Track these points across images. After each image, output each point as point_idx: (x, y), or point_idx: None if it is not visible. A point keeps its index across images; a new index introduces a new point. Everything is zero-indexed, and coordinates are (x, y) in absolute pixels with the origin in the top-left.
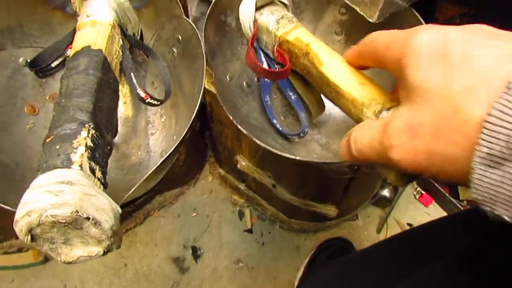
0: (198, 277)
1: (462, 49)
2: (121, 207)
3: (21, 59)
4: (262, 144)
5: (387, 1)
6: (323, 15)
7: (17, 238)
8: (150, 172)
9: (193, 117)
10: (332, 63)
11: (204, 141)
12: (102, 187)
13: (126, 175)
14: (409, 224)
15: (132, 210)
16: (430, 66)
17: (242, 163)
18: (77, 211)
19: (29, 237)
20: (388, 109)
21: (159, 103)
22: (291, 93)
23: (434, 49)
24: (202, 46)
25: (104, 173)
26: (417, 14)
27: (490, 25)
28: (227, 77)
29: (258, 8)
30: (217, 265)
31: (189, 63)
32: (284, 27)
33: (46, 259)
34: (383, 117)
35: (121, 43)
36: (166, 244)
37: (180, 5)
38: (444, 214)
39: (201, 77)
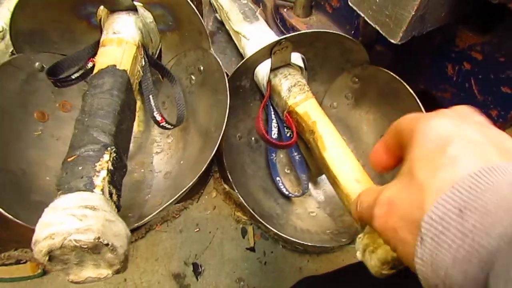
0: None
1: (456, 151)
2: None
3: (37, 64)
4: (269, 227)
5: (411, 25)
6: (336, 79)
7: (16, 249)
8: (166, 205)
9: (212, 154)
10: (335, 151)
11: None
12: (116, 210)
13: (129, 192)
14: None
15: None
16: (427, 155)
17: (225, 185)
18: (99, 237)
19: (47, 258)
20: None
21: (172, 127)
22: (295, 153)
23: (439, 140)
24: (226, 83)
25: (119, 196)
26: (407, 86)
27: (509, 55)
28: (237, 136)
29: (273, 69)
30: (218, 283)
31: (208, 94)
32: (295, 96)
33: (45, 272)
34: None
35: (143, 63)
36: (167, 260)
37: (209, 39)
38: None
39: (223, 114)
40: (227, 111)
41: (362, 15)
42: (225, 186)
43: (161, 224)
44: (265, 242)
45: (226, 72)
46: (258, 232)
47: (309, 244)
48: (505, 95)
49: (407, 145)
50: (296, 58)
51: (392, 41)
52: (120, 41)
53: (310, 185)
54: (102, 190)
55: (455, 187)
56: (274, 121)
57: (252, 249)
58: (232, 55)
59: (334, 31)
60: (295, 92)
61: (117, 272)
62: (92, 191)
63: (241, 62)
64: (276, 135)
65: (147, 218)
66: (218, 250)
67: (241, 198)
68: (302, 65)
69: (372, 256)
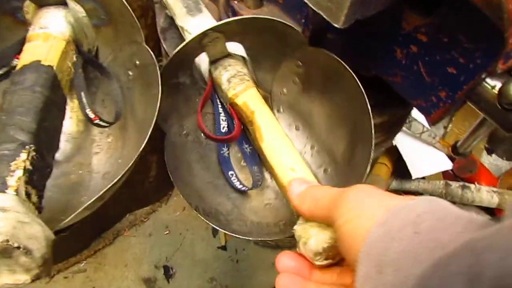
0: None
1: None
2: (57, 232)
3: None
4: (211, 224)
5: (352, 8)
6: (280, 66)
7: None
8: (89, 202)
9: (141, 146)
10: (272, 142)
11: None
12: (37, 211)
13: (64, 194)
14: None
15: (100, 230)
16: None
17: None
18: (7, 240)
19: None
20: None
21: (108, 125)
22: (246, 145)
23: (357, 197)
24: (159, 76)
25: (40, 197)
26: (346, 66)
27: (452, 36)
28: (183, 134)
29: (213, 62)
30: (190, 284)
31: (144, 89)
32: (235, 88)
33: None
34: None
35: (74, 59)
36: (137, 265)
37: (142, 32)
38: None
39: (154, 108)
40: (157, 105)
41: (306, 1)
42: None
43: (129, 229)
44: (237, 240)
45: (160, 65)
46: None
47: (253, 239)
48: (451, 76)
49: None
50: (237, 48)
51: (336, 25)
52: (47, 36)
53: (268, 176)
54: (16, 190)
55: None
56: (222, 114)
57: (223, 248)
58: None
59: (257, 16)
60: (235, 83)
61: (37, 277)
62: (4, 192)
63: (168, 59)
64: (225, 128)
65: (69, 218)
66: (189, 251)
67: (183, 197)
68: (244, 54)
69: (305, 248)
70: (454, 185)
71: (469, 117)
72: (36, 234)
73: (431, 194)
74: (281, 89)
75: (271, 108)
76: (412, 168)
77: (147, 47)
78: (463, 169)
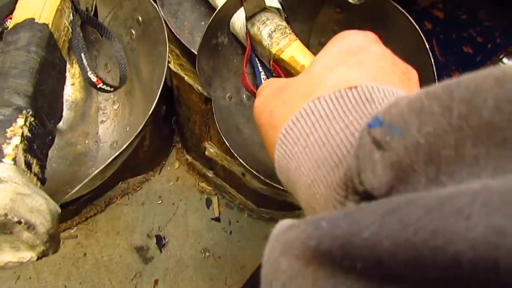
0: (162, 267)
1: (363, 58)
2: (63, 206)
3: None
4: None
5: None
6: (318, 14)
7: None
8: (96, 172)
9: (150, 112)
10: None
11: (171, 127)
12: (39, 183)
13: (70, 166)
14: None
15: (92, 197)
16: (330, 55)
17: (211, 150)
18: (6, 214)
19: None
20: None
21: (112, 89)
22: None
23: (350, 46)
24: (165, 31)
25: (42, 167)
26: (396, 5)
27: (471, 13)
28: (227, 97)
29: (249, 18)
30: (183, 254)
31: (149, 48)
32: (278, 42)
33: None
34: None
35: (71, 18)
36: (129, 233)
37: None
38: None
39: (163, 67)
40: (166, 62)
41: None
42: (188, 157)
43: (122, 197)
44: (230, 212)
45: (174, 33)
46: (223, 202)
47: None
48: (467, 55)
49: None
50: (271, 0)
51: (351, 1)
52: None
53: None
54: (14, 159)
55: (335, 94)
56: (263, 73)
57: (217, 219)
58: (184, 18)
59: None
60: (277, 38)
61: (44, 254)
62: (1, 161)
63: (211, 19)
64: None
65: (76, 189)
66: (182, 221)
67: (243, 163)
68: (279, 6)
69: None
70: None
71: None
72: (39, 207)
73: None
74: (319, 40)
75: None
76: None
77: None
78: None
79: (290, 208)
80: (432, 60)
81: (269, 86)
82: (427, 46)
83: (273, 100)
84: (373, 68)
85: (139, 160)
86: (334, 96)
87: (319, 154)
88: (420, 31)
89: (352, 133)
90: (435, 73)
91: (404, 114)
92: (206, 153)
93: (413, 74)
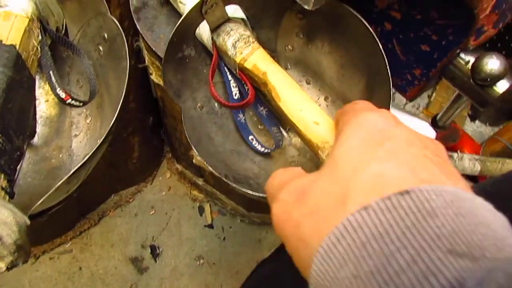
0: (158, 277)
1: (394, 146)
2: (33, 217)
3: None
4: (245, 190)
5: None
6: (282, 21)
7: None
8: (60, 183)
9: (111, 123)
10: (289, 98)
11: (160, 137)
12: (7, 196)
13: (45, 179)
14: None
15: (84, 211)
16: (359, 145)
17: (198, 157)
18: None
19: None
20: None
21: (81, 104)
22: (261, 108)
23: (375, 133)
24: (126, 47)
25: (10, 181)
26: (350, 8)
27: (425, 12)
28: (197, 107)
29: (214, 29)
30: (177, 263)
31: (115, 64)
32: (242, 52)
33: None
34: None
35: (40, 38)
36: (123, 245)
37: (105, 1)
38: None
39: (124, 81)
40: (126, 78)
41: None
42: (178, 166)
43: (115, 209)
44: (223, 218)
45: (150, 46)
46: (215, 208)
47: None
48: (425, 53)
49: (337, 135)
50: (235, 10)
51: (306, 7)
52: (8, 14)
53: (286, 134)
54: None
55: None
56: (232, 81)
57: (210, 226)
58: (160, 31)
59: None
60: (241, 47)
61: (13, 265)
62: None
63: (172, 33)
64: (237, 95)
65: (40, 201)
66: (176, 230)
67: (210, 168)
68: (243, 16)
69: None
70: None
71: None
72: (5, 220)
73: None
74: (285, 46)
75: None
76: None
77: (112, 17)
78: (447, 138)
79: None
80: (386, 61)
81: (287, 188)
82: (381, 47)
83: (296, 208)
84: (407, 158)
85: (129, 171)
86: (384, 206)
87: None
88: (373, 33)
89: (425, 275)
90: (389, 74)
91: None
92: (194, 161)
93: (442, 151)
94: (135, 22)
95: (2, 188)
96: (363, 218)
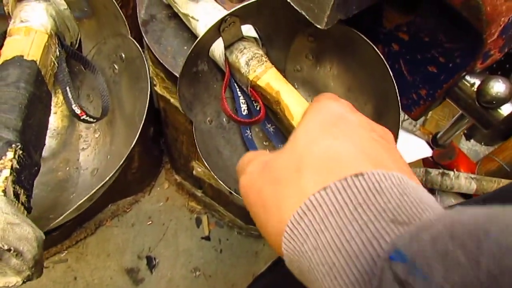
0: None
1: (344, 131)
2: (47, 233)
3: None
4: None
5: (334, 10)
6: (293, 42)
7: None
8: (82, 200)
9: (133, 144)
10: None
11: (159, 147)
12: (26, 211)
13: (51, 192)
14: None
15: (81, 220)
16: (312, 127)
17: (198, 169)
18: None
19: None
20: None
21: (95, 120)
22: (268, 125)
23: (331, 116)
24: (147, 69)
25: (29, 196)
26: (361, 34)
27: (432, 35)
28: (207, 121)
29: (228, 46)
30: (174, 274)
31: (131, 83)
32: (255, 70)
33: None
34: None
35: (58, 53)
36: (119, 255)
37: (126, 24)
38: None
39: (144, 101)
40: (147, 98)
41: (288, 0)
42: (177, 177)
43: (112, 219)
44: (220, 230)
45: (157, 58)
46: (212, 220)
47: None
48: (432, 74)
49: (301, 120)
50: (249, 29)
51: (318, 26)
52: (29, 30)
53: None
54: (4, 191)
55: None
56: (241, 97)
57: (207, 238)
58: (168, 44)
59: None
60: (254, 66)
61: (29, 278)
62: None
63: (191, 49)
64: (246, 111)
65: (61, 217)
66: (173, 241)
67: (221, 182)
68: (256, 35)
69: None
70: (434, 172)
71: (448, 104)
72: (26, 235)
73: None
74: (294, 66)
75: None
76: None
77: (133, 39)
78: (443, 156)
79: None
80: (396, 86)
81: (253, 162)
82: (391, 72)
83: (259, 177)
84: (359, 139)
85: (128, 181)
86: (341, 186)
87: (334, 260)
88: (383, 59)
89: (370, 241)
90: (399, 99)
91: (427, 255)
92: (194, 172)
93: (390, 136)
94: (143, 34)
95: (22, 204)
96: (322, 198)
